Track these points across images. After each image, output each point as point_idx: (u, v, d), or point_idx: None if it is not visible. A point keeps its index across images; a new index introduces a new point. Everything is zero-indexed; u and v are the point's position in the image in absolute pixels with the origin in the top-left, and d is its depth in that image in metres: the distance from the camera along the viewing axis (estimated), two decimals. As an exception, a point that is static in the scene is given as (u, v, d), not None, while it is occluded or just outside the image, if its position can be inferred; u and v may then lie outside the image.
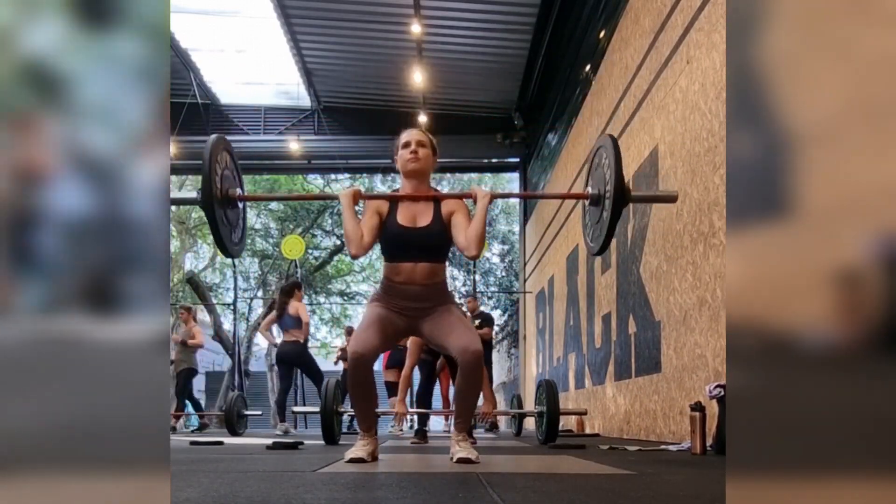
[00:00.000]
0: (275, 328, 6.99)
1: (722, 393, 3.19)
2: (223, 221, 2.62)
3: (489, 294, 16.64)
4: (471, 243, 2.59)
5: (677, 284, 4.53)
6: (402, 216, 2.63)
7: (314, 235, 15.83)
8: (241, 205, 2.85)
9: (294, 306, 6.72)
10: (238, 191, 2.78)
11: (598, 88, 7.15)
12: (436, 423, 8.95)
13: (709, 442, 3.35)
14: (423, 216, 2.64)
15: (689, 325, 4.26)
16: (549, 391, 4.39)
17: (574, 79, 8.41)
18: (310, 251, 15.04)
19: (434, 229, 2.62)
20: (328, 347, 17.34)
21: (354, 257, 2.70)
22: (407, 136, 2.74)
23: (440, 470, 2.28)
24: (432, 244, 2.63)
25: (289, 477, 1.94)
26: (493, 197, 2.76)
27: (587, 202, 2.91)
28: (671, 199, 3.06)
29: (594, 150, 2.92)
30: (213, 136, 2.62)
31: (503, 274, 17.59)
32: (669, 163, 4.82)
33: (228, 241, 2.66)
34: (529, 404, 8.16)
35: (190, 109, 10.77)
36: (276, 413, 6.66)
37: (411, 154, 2.65)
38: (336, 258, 16.48)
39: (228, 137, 9.98)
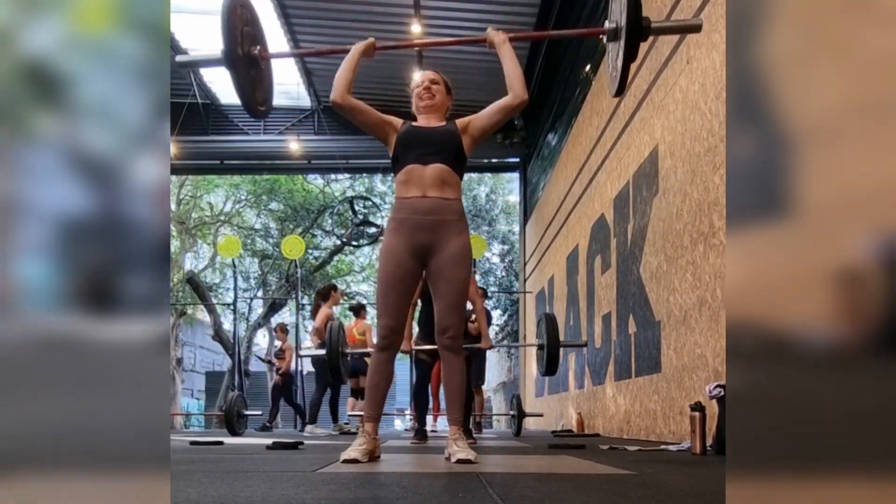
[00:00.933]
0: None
1: (722, 393, 3.19)
2: (248, 81, 2.60)
3: (489, 294, 16.68)
4: (513, 84, 2.58)
5: (677, 284, 4.54)
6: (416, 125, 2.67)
7: (314, 235, 15.87)
8: (264, 64, 2.77)
9: (320, 312, 6.85)
10: (260, 49, 2.70)
11: (598, 88, 7.14)
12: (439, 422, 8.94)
13: (709, 442, 3.35)
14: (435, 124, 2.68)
15: (689, 325, 4.28)
16: (548, 324, 4.37)
17: (574, 79, 8.42)
18: (310, 251, 15.06)
19: (445, 128, 2.64)
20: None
21: (333, 103, 2.60)
22: (420, 76, 2.75)
23: (440, 470, 2.28)
24: (442, 140, 2.59)
25: (289, 477, 1.95)
26: (510, 39, 2.65)
27: (605, 38, 2.72)
28: (696, 28, 2.72)
29: None
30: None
31: (503, 274, 17.63)
32: (669, 163, 4.83)
33: (252, 100, 2.64)
34: (529, 405, 8.14)
35: (190, 109, 10.78)
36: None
37: (425, 90, 2.68)
38: (336, 258, 16.51)
39: (228, 138, 10.06)
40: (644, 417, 5.16)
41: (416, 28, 8.81)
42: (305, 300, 12.34)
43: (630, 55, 2.46)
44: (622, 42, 2.45)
